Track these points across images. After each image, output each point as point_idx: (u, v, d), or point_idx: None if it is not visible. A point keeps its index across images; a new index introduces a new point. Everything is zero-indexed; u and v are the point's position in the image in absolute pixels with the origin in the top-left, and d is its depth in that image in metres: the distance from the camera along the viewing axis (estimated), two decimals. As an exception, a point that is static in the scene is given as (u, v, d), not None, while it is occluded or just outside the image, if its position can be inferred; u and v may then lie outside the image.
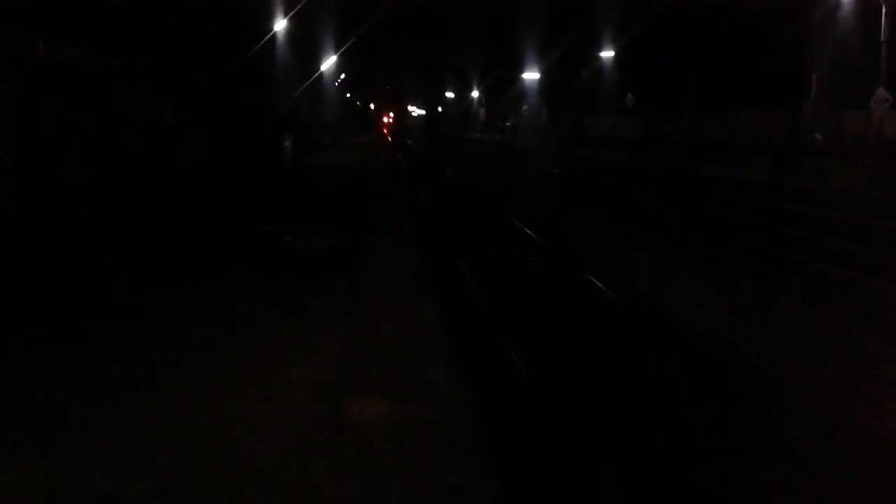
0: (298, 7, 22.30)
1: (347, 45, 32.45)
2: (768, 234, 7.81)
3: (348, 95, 66.25)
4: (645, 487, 4.57)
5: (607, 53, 36.63)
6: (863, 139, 21.23)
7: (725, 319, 7.73)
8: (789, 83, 26.48)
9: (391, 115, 77.19)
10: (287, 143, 20.87)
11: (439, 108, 72.57)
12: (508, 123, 46.45)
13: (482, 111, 60.54)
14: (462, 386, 5.53)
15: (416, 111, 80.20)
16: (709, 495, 4.51)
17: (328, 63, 33.72)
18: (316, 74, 32.03)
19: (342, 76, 49.82)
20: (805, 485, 4.60)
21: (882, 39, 21.14)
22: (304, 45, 27.87)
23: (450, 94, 67.57)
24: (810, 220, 7.28)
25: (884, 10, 20.34)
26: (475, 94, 60.06)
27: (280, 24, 22.57)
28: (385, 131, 69.48)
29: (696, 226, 10.62)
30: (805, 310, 7.29)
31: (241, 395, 5.10)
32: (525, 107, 48.33)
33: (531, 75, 45.29)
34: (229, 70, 15.26)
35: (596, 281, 9.79)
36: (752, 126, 25.88)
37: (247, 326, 6.64)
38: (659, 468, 4.78)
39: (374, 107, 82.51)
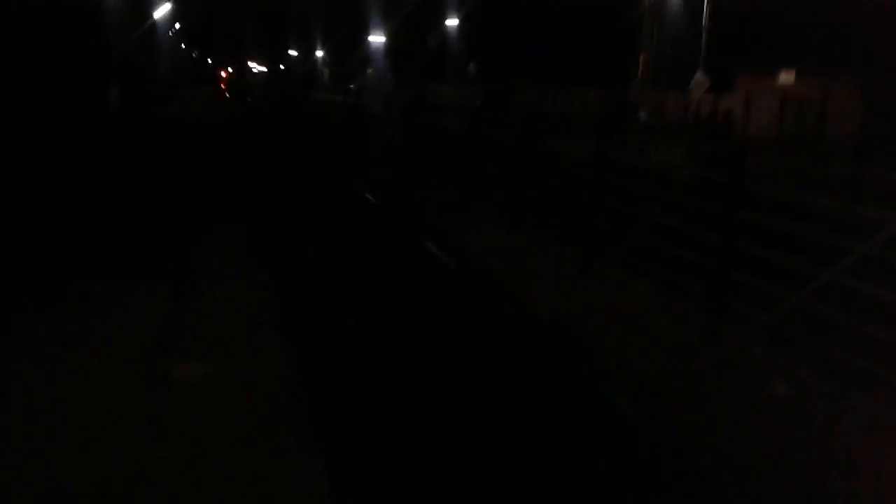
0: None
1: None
2: (591, 204, 8.30)
3: (184, 47, 63.15)
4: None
5: (452, 22, 37.04)
6: (682, 119, 22.75)
7: (550, 285, 8.17)
8: (624, 64, 27.82)
9: (230, 70, 74.21)
10: (113, 96, 19.64)
11: (282, 66, 70.55)
12: (353, 86, 45.97)
13: (326, 71, 59.56)
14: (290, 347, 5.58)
15: (257, 68, 77.52)
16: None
17: (162, 11, 31.94)
18: (149, 22, 30.24)
19: (177, 26, 47.32)
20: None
21: (703, 25, 22.69)
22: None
23: (293, 53, 65.90)
24: (629, 194, 7.78)
25: (706, -2, 21.66)
26: (320, 53, 58.93)
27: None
28: (223, 87, 66.77)
29: (530, 196, 11.08)
30: (622, 277, 7.84)
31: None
32: (370, 70, 47.96)
33: (377, 38, 45.00)
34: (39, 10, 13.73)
35: (431, 246, 10.03)
36: (585, 102, 27.04)
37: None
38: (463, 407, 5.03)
39: (213, 62, 79.15)
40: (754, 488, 4.31)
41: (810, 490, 4.25)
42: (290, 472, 4.05)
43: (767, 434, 4.81)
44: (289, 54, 66.78)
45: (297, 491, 3.91)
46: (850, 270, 4.92)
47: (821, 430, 4.75)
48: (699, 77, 22.40)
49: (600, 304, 7.43)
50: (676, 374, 5.78)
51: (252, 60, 77.39)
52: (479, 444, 4.74)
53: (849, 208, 5.16)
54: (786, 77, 20.31)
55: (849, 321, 4.91)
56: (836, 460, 4.46)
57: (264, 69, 76.16)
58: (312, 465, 4.15)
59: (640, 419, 5.15)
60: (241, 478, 3.98)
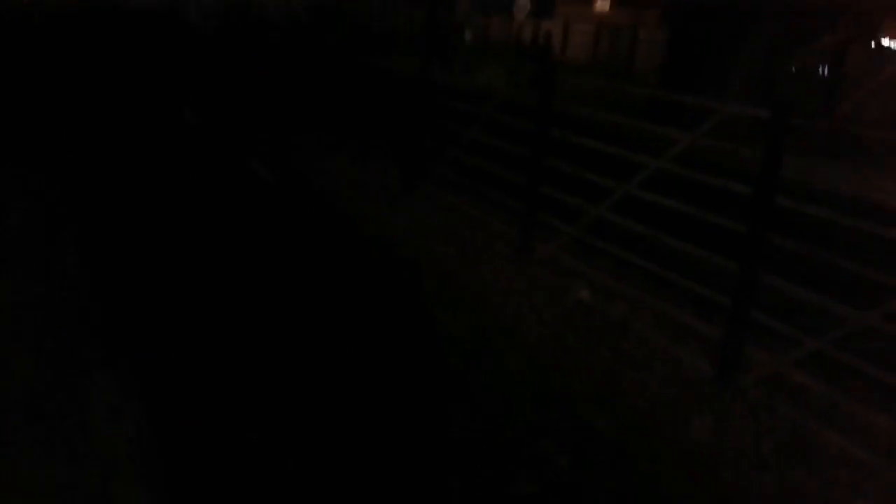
0: None
1: None
2: (414, 123, 8.45)
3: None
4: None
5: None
6: (505, 41, 23.29)
7: (375, 202, 8.31)
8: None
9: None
10: None
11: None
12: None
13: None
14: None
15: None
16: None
17: None
18: None
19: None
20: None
21: (526, -50, 23.08)
22: None
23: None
24: (452, 113, 7.98)
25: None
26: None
27: None
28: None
29: (356, 115, 11.07)
30: (443, 195, 8.10)
31: None
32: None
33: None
34: None
35: (255, 165, 9.86)
36: (411, 22, 26.97)
37: None
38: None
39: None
40: (559, 380, 4.74)
41: (606, 380, 4.73)
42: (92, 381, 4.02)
43: (571, 333, 5.26)
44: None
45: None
46: (644, 185, 5.39)
47: (617, 328, 5.26)
48: (522, 1, 22.95)
49: (421, 220, 7.67)
50: (490, 284, 6.15)
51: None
52: (291, 361, 4.85)
53: (642, 127, 5.60)
54: (601, 4, 21.24)
55: (643, 231, 5.39)
56: (629, 353, 4.98)
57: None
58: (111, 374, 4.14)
59: (455, 323, 5.45)
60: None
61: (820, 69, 19.73)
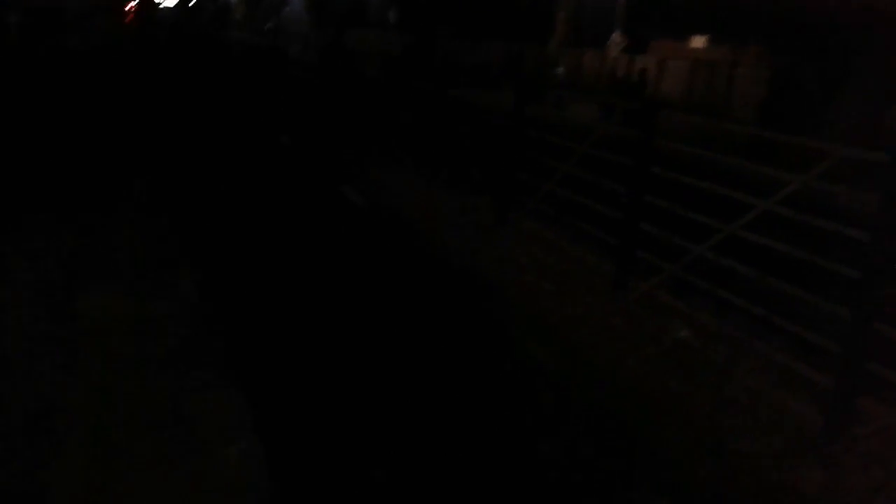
0: None
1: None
2: (509, 156, 8.48)
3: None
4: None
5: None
6: (598, 76, 23.17)
7: (467, 233, 8.35)
8: (543, 20, 27.97)
9: (136, 2, 70.67)
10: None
11: (192, 1, 67.63)
12: (268, 26, 44.68)
13: (240, 9, 57.61)
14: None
15: (165, 2, 74.12)
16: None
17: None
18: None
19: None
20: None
21: (621, -14, 23.04)
22: None
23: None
24: (547, 147, 7.97)
25: (625, -41, 22.01)
26: (233, -10, 56.92)
27: None
28: (130, 18, 63.60)
29: (447, 146, 11.19)
30: (537, 228, 8.08)
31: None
32: (288, 8, 46.66)
33: (295, -22, 43.76)
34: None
35: (349, 193, 10.06)
36: (504, 56, 27.15)
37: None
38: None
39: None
40: (658, 429, 4.62)
41: (708, 425, 4.59)
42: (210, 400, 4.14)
43: (671, 375, 5.13)
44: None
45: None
46: (750, 226, 5.24)
47: (720, 372, 5.11)
48: (616, 36, 22.87)
49: (514, 252, 7.66)
50: (585, 320, 6.07)
51: (161, -6, 73.94)
52: (390, 392, 4.89)
53: (747, 166, 5.46)
54: (697, 40, 20.91)
55: (747, 272, 5.24)
56: (732, 398, 4.82)
57: (172, 3, 72.92)
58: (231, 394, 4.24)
59: (550, 360, 5.40)
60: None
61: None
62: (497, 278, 7.05)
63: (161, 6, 74.68)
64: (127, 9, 69.67)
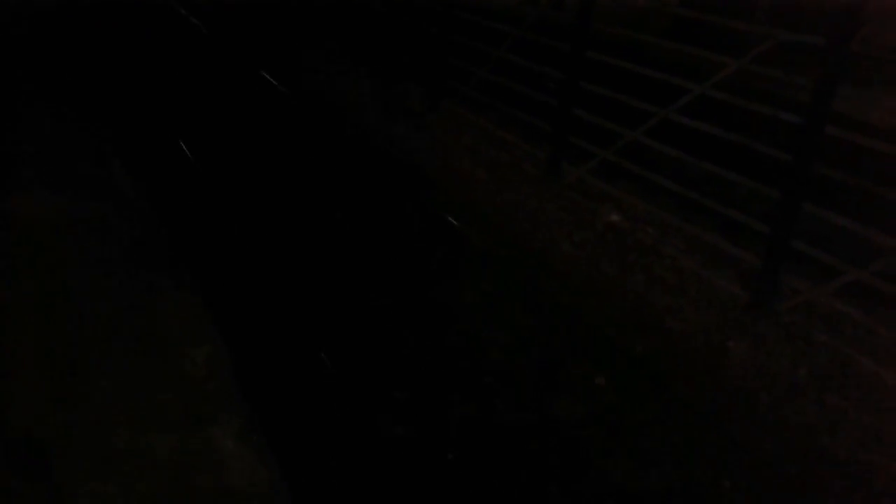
0: None
1: None
2: (440, 41, 8.28)
3: None
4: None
5: None
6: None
7: (396, 121, 8.22)
8: None
9: None
10: None
11: None
12: None
13: None
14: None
15: None
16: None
17: None
18: None
19: None
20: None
21: None
22: None
23: None
24: (479, 32, 7.80)
25: None
26: None
27: None
28: None
29: (379, 33, 10.82)
30: (468, 114, 8.01)
31: None
32: None
33: None
34: None
35: (275, 82, 9.71)
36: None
37: None
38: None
39: None
40: (592, 304, 4.80)
41: (640, 304, 4.79)
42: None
43: (603, 257, 5.30)
44: None
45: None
46: (684, 110, 5.32)
47: (650, 253, 5.30)
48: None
49: (446, 139, 7.61)
50: (519, 206, 6.15)
51: None
52: (334, 284, 4.90)
53: (684, 50, 5.49)
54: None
55: (678, 155, 5.35)
56: (662, 278, 5.02)
57: None
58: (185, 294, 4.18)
59: (486, 245, 5.48)
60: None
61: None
62: (430, 164, 7.02)
63: None
64: None
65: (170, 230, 5.05)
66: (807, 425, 3.78)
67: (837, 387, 3.97)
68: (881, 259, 4.12)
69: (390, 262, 5.16)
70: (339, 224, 5.67)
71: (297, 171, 6.67)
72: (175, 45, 11.80)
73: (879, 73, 9.16)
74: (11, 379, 3.43)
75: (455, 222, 5.85)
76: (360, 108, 8.74)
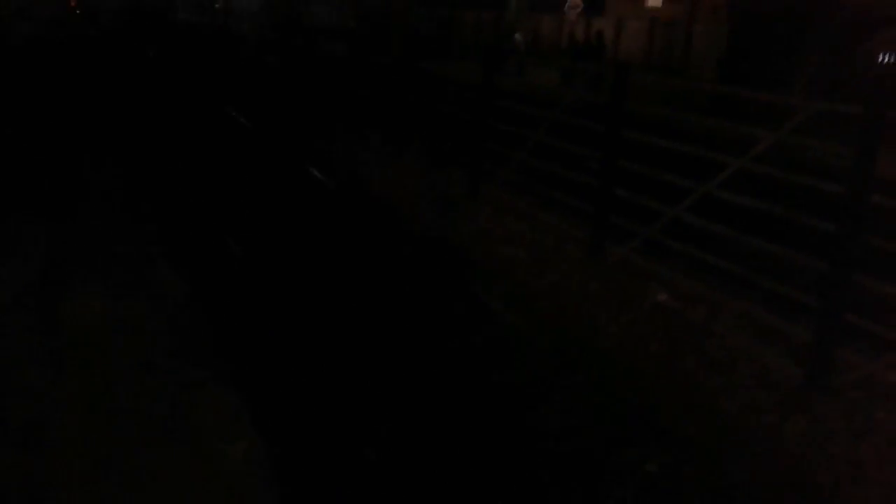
0: None
1: None
2: (478, 127, 8.44)
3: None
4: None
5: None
6: (557, 41, 23.12)
7: (440, 207, 8.32)
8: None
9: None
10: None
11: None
12: (217, 5, 43.81)
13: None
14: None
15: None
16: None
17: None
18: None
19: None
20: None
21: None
22: None
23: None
24: (515, 116, 7.94)
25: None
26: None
27: None
28: (73, 4, 61.90)
29: (416, 120, 11.10)
30: (509, 198, 8.07)
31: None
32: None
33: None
34: None
35: (316, 172, 9.95)
36: (463, 25, 26.98)
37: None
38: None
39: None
40: (642, 387, 4.68)
41: (692, 385, 4.65)
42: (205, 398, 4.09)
43: (651, 338, 5.19)
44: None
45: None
46: (724, 185, 5.29)
47: (700, 332, 5.17)
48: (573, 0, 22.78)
49: (489, 224, 7.65)
50: (563, 288, 6.10)
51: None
52: (372, 370, 4.88)
53: (721, 125, 5.49)
54: (654, 0, 20.95)
55: (722, 231, 5.29)
56: (713, 357, 4.88)
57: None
58: (225, 390, 4.20)
59: (531, 329, 5.42)
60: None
61: (884, 60, 19.17)
62: (473, 250, 7.05)
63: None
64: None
65: (214, 329, 5.11)
66: (873, 508, 3.57)
67: (903, 466, 3.76)
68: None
69: (432, 352, 5.12)
70: (381, 312, 5.68)
71: (342, 263, 6.74)
72: (222, 143, 12.22)
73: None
74: (51, 480, 3.45)
75: (498, 307, 5.82)
76: (405, 195, 8.88)
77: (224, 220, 7.75)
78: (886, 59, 19.31)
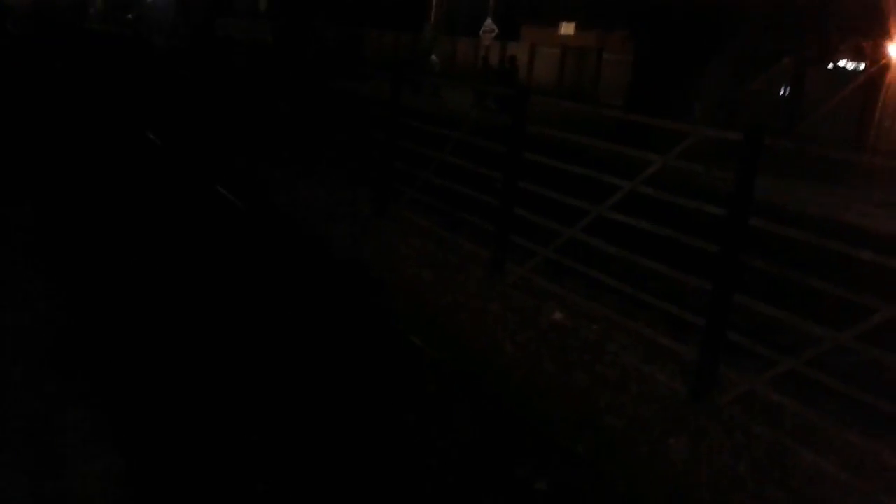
0: None
1: None
2: (386, 147, 8.44)
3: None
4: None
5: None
6: (472, 64, 23.44)
7: (346, 226, 8.27)
8: (416, 8, 27.96)
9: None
10: None
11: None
12: (130, 16, 42.77)
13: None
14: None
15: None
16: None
17: None
18: None
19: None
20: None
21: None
22: None
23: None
24: (422, 136, 7.98)
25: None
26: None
27: None
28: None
29: (323, 138, 11.03)
30: (415, 217, 8.09)
31: None
32: (150, -1, 44.80)
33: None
34: None
35: (225, 191, 9.77)
36: (380, 45, 27.07)
37: None
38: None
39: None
40: (536, 408, 4.72)
41: (582, 402, 4.73)
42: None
43: (546, 356, 5.26)
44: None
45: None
46: (618, 207, 5.43)
47: (592, 350, 5.27)
48: (489, 24, 23.16)
49: (393, 243, 7.65)
50: (463, 307, 6.13)
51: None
52: (269, 387, 4.79)
53: (614, 149, 5.64)
54: (566, 27, 21.52)
55: (615, 252, 5.42)
56: (603, 375, 4.98)
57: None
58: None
59: (430, 348, 5.42)
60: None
61: (780, 90, 20.16)
62: (377, 269, 7.02)
63: (13, -5, 70.10)
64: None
65: (85, 343, 4.93)
66: (748, 522, 3.69)
67: (778, 479, 3.90)
68: (813, 349, 4.13)
69: (328, 369, 5.06)
70: (281, 326, 5.59)
71: (250, 283, 6.61)
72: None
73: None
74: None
75: (399, 325, 5.80)
76: (312, 214, 8.79)
77: (128, 233, 7.52)
78: (783, 93, 20.33)
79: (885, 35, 16.24)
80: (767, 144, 4.21)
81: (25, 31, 38.52)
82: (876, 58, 18.12)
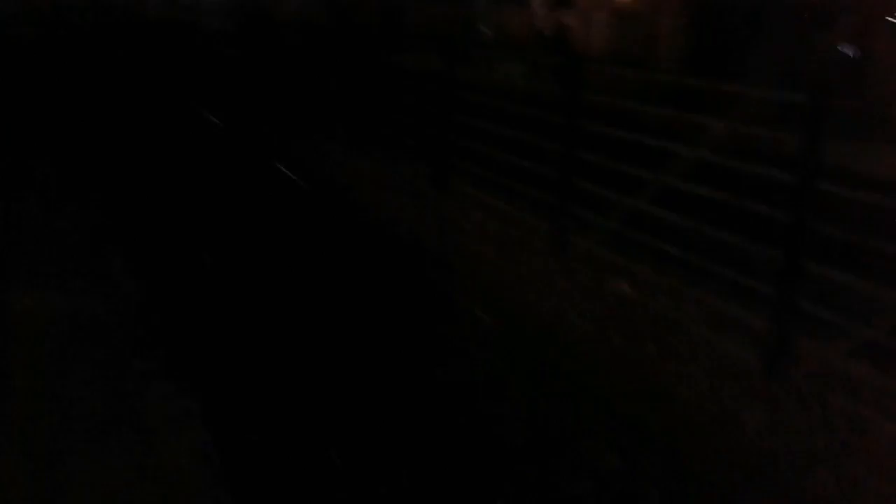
0: None
1: None
2: (442, 121, 8.41)
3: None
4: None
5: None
6: (524, 34, 23.14)
7: (405, 202, 8.29)
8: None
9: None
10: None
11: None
12: (187, 1, 43.26)
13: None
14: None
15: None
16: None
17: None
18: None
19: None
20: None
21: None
22: None
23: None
24: (479, 109, 7.92)
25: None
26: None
27: None
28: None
29: (382, 115, 11.03)
30: (475, 192, 8.05)
31: None
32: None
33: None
34: None
35: (283, 168, 9.88)
36: (430, 17, 26.84)
37: None
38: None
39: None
40: (605, 382, 4.69)
41: (652, 375, 4.67)
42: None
43: (613, 328, 5.21)
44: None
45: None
46: (680, 174, 5.31)
47: (660, 322, 5.20)
48: (540, -8, 22.77)
49: (454, 218, 7.64)
50: (527, 281, 6.10)
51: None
52: (335, 360, 4.85)
53: (675, 115, 5.51)
54: (621, -8, 20.99)
55: (679, 221, 5.31)
56: (673, 347, 4.91)
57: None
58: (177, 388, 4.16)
59: (496, 323, 5.42)
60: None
61: (845, 50, 19.38)
62: (440, 246, 7.03)
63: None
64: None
65: (166, 324, 5.06)
66: (825, 497, 3.61)
67: (859, 454, 3.80)
68: (891, 316, 4.00)
69: (397, 343, 5.10)
70: (350, 305, 5.65)
71: (308, 261, 6.69)
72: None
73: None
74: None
75: (465, 302, 5.81)
76: (370, 191, 8.84)
77: (194, 212, 7.68)
78: (851, 55, 19.54)
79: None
80: (833, 106, 4.05)
81: (84, 21, 39.33)
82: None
